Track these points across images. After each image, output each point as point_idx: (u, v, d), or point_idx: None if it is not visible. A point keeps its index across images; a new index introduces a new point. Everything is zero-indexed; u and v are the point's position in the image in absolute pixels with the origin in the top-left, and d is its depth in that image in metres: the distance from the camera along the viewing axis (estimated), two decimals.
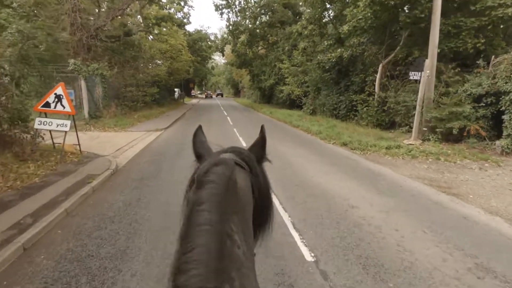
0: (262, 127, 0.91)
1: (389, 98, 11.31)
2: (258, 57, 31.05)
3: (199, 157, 0.85)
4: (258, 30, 30.61)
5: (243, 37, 30.90)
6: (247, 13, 29.10)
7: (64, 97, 6.39)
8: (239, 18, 29.50)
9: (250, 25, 29.20)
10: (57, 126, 6.28)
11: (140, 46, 17.17)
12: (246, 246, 0.63)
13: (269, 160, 0.91)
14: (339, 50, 12.78)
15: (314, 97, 18.52)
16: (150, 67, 19.26)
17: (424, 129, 8.86)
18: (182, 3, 32.22)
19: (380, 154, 8.33)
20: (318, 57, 14.40)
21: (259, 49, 33.54)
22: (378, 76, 11.90)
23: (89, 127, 11.05)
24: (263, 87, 29.32)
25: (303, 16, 18.15)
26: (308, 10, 15.92)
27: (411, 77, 8.49)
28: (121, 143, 8.94)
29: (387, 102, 11.57)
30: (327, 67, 14.08)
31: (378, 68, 11.97)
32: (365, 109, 12.25)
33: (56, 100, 6.35)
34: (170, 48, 21.49)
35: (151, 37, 23.50)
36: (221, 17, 48.99)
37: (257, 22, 29.96)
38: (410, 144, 8.60)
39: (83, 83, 11.14)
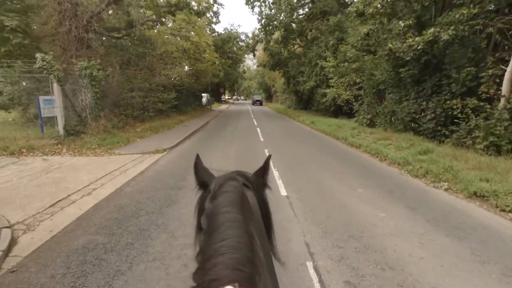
0: (268, 158, 0.94)
1: None
2: (294, 56, 26.84)
3: (202, 184, 0.84)
4: (294, 25, 26.48)
5: (277, 34, 26.94)
6: (282, 5, 25.13)
7: None
8: (273, 11, 25.61)
9: (285, 19, 25.16)
10: None
11: (151, 41, 13.94)
12: (263, 250, 0.68)
13: (269, 187, 0.93)
14: (431, 30, 8.11)
15: (371, 103, 13.87)
16: (166, 67, 16.01)
17: None
18: (211, 1, 29.32)
19: None
20: (390, 45, 9.80)
21: (295, 47, 29.34)
22: (509, 68, 7.08)
23: (61, 148, 7.79)
24: (301, 91, 24.95)
25: None
26: None
27: None
28: (79, 182, 5.37)
29: None
30: (407, 59, 9.40)
31: (507, 55, 7.17)
32: (480, 122, 7.45)
33: None
34: (191, 46, 18.18)
35: (179, 38, 20.64)
36: (252, 11, 45.54)
37: (294, 16, 25.88)
38: None
39: (55, 87, 7.92)
